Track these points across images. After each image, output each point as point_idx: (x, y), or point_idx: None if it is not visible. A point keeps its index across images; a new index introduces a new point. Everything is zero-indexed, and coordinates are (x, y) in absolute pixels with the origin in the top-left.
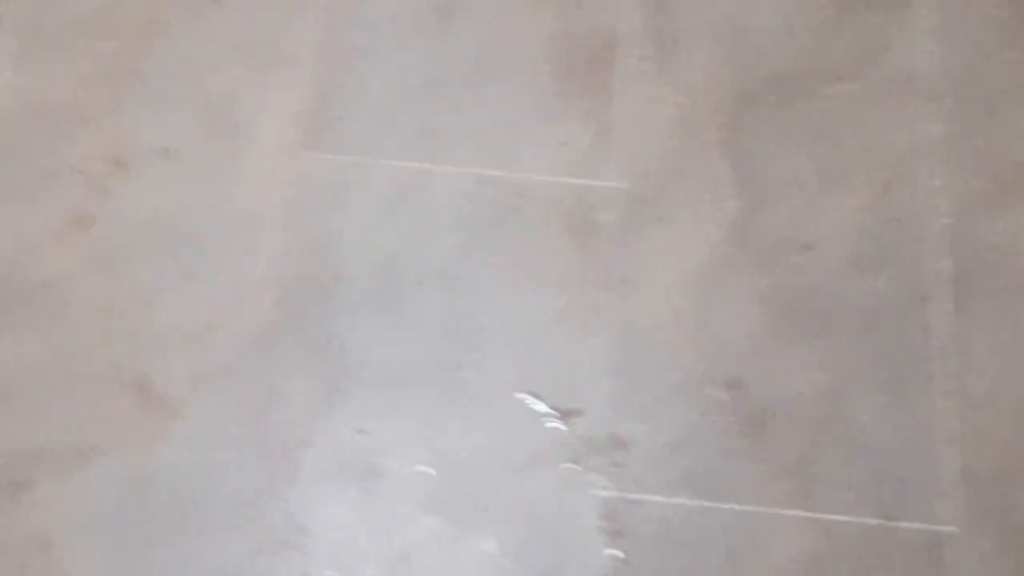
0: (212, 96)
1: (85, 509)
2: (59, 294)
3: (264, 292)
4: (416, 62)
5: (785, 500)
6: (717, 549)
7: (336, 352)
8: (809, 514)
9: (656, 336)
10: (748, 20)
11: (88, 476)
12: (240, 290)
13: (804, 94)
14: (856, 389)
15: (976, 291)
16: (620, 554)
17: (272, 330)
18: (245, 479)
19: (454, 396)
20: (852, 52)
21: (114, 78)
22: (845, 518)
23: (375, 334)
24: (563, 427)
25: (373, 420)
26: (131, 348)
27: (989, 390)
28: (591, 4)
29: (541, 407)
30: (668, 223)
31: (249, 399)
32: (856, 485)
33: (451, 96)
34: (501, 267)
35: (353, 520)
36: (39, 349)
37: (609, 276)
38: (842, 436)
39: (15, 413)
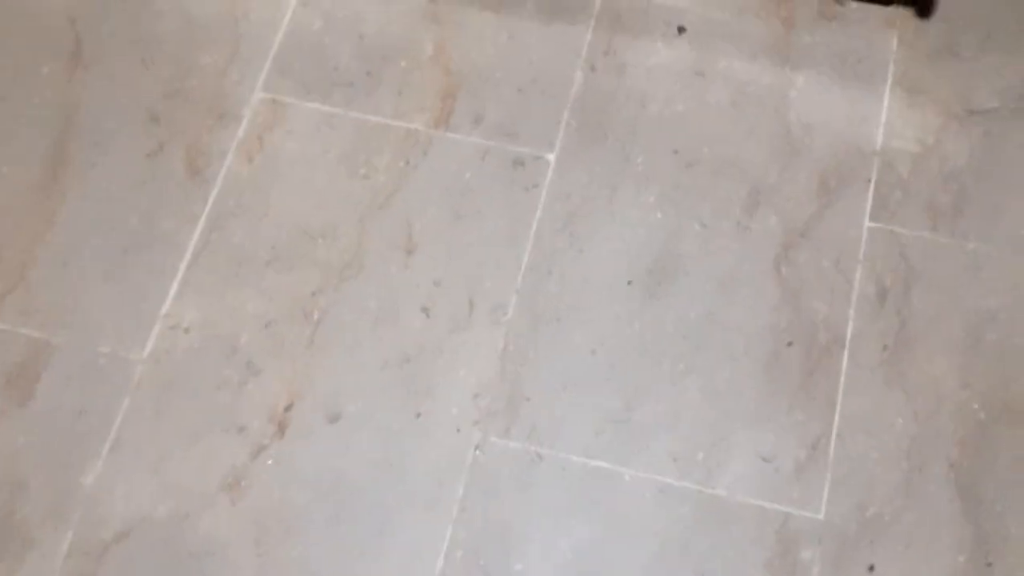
0: (393, 355)
1: None
2: (214, 566)
3: None
4: (616, 339)
5: None
6: None
7: None
8: None
9: None
10: (997, 329)
11: None
12: None
13: None
14: None
15: None
16: None
17: None
18: None
19: None
20: None
21: (294, 322)
22: None
23: None
24: None
25: None
26: None
27: None
28: (819, 293)
29: None
30: (881, 572)
31: None
32: None
33: (649, 383)
34: None
35: None
36: None
37: None
38: None
39: None
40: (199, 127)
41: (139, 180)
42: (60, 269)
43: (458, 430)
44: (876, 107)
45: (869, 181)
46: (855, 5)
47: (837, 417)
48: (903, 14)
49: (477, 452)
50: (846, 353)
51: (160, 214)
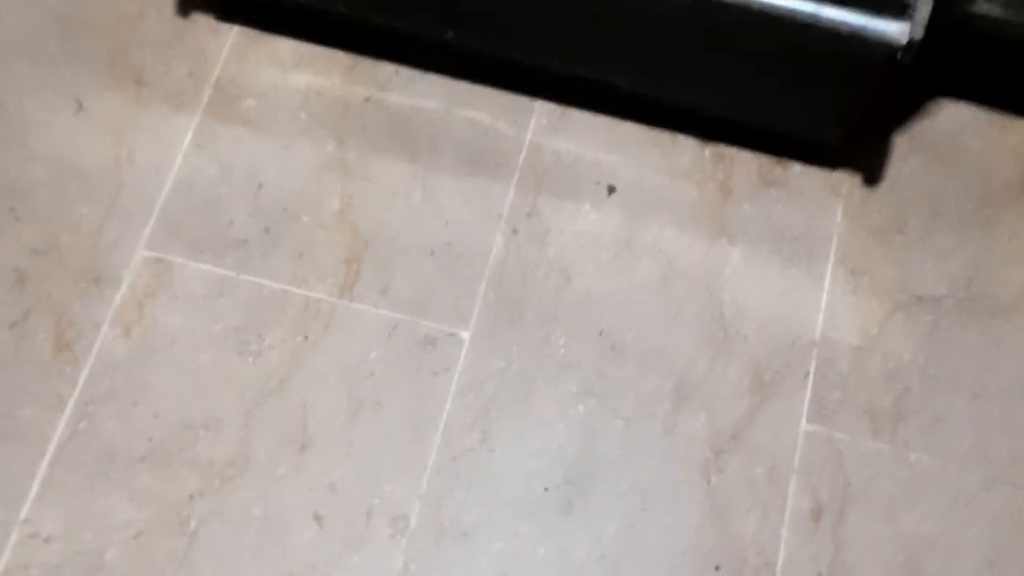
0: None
1: None
2: None
3: None
4: (525, 563)
5: None
6: None
7: None
8: None
9: None
10: (937, 560)
11: None
12: None
13: None
14: None
15: None
16: None
17: None
18: None
19: None
20: None
21: (168, 533)
22: None
23: None
24: None
25: None
26: None
27: None
28: (749, 508)
29: None
30: None
31: None
32: None
33: None
34: None
35: None
36: None
37: None
38: None
39: None
40: (71, 292)
41: None
42: None
43: None
44: (816, 290)
45: (807, 376)
46: (799, 169)
47: None
48: (850, 181)
49: None
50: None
51: (22, 398)
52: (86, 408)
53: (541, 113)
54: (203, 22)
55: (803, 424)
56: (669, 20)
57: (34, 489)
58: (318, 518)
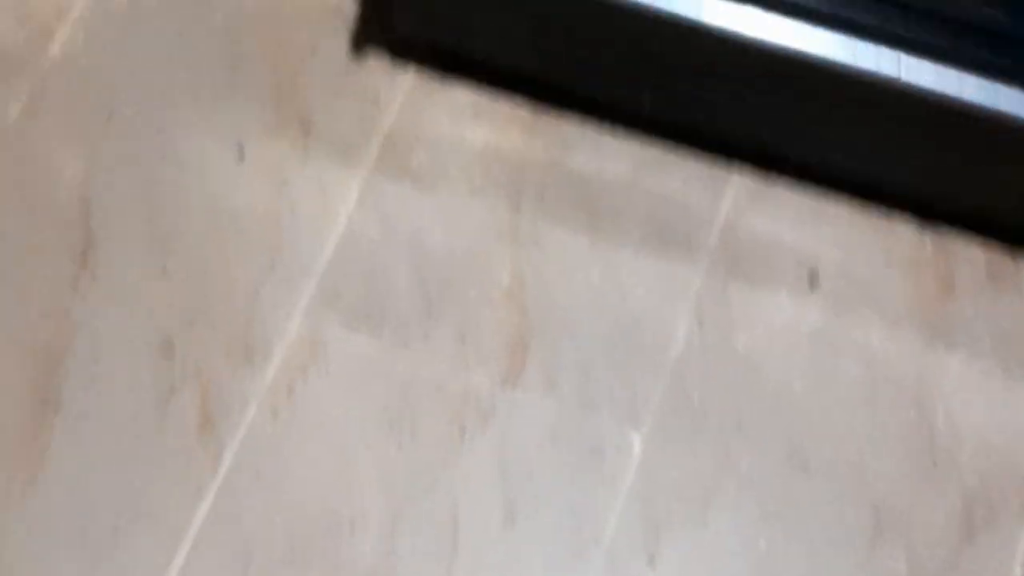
0: None
1: None
2: None
3: None
4: None
5: None
6: None
7: None
8: None
9: None
10: None
11: None
12: None
13: None
14: None
15: None
16: None
17: None
18: None
19: None
20: None
21: None
22: None
23: None
24: None
25: None
26: None
27: None
28: None
29: None
30: None
31: None
32: None
33: None
34: None
35: None
36: None
37: None
38: None
39: None
40: (221, 364)
41: (142, 435)
42: (34, 550)
43: None
44: None
45: None
46: None
47: None
48: None
49: None
50: None
51: (162, 482)
52: (228, 497)
53: (739, 185)
54: (377, 61)
55: (1017, 567)
56: (902, 121)
57: None
58: None
